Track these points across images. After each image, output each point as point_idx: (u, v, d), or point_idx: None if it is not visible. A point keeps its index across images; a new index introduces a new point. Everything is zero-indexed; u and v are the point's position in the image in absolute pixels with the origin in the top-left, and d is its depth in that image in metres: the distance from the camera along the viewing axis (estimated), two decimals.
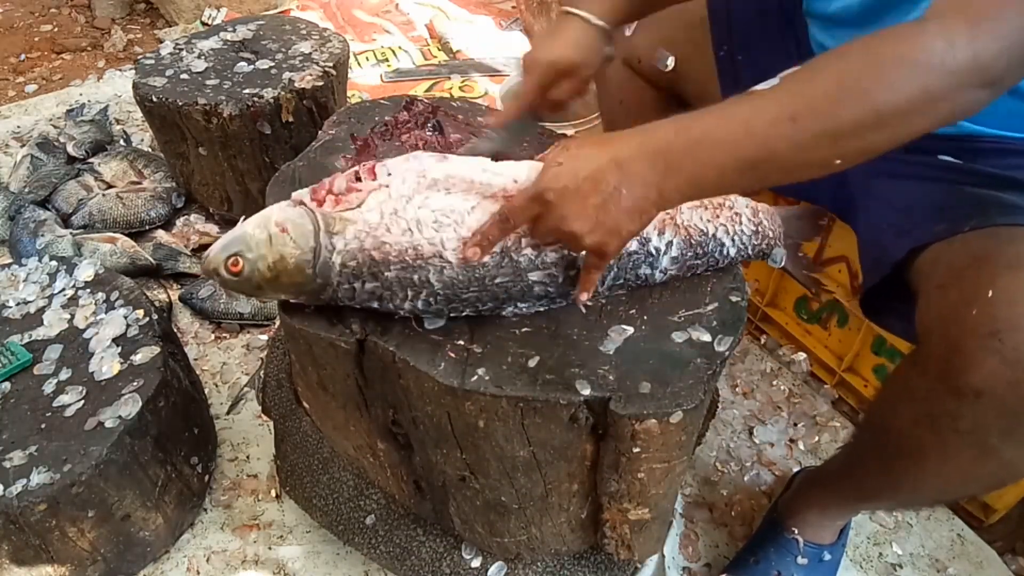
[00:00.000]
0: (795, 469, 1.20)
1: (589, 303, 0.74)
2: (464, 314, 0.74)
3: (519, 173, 0.75)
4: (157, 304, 1.33)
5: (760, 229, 0.86)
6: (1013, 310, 0.64)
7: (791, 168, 0.64)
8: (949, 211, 0.79)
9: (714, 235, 0.81)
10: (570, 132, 1.69)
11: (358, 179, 0.75)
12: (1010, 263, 0.67)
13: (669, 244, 0.78)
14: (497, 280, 0.72)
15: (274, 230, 0.71)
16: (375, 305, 0.73)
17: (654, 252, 0.77)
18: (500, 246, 0.72)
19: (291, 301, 0.76)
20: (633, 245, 0.76)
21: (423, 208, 0.72)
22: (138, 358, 1.01)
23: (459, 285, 0.71)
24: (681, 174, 0.63)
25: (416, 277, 0.71)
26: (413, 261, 0.70)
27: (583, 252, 0.70)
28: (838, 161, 0.63)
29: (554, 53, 0.86)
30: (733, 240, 0.82)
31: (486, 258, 0.71)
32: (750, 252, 0.85)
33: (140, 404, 0.96)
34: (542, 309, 0.77)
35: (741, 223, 0.84)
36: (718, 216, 0.82)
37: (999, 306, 0.64)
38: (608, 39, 0.89)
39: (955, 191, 0.82)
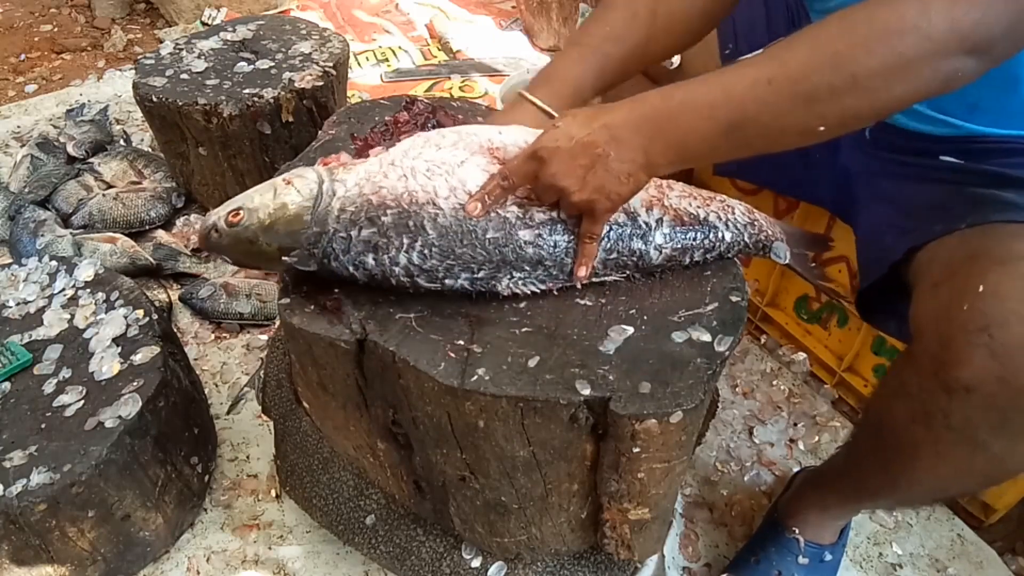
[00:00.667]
0: (795, 469, 1.20)
1: (585, 280, 0.77)
2: (460, 282, 0.74)
3: (504, 129, 0.82)
4: (157, 304, 1.33)
5: (755, 220, 0.87)
6: (1003, 305, 0.64)
7: (772, 133, 0.65)
8: (948, 211, 0.80)
9: (706, 219, 0.82)
10: None
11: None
12: (1001, 259, 0.67)
13: (659, 221, 0.79)
14: (489, 234, 0.74)
15: (280, 183, 0.75)
16: (370, 260, 0.73)
17: (644, 226, 0.79)
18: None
19: (293, 289, 0.77)
20: (621, 217, 0.78)
21: (417, 159, 0.76)
22: (138, 358, 1.02)
23: (453, 236, 0.73)
24: (666, 137, 0.67)
25: (411, 223, 0.72)
26: (408, 207, 0.73)
27: (579, 228, 0.73)
28: (821, 128, 0.64)
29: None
30: (727, 225, 0.83)
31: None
32: (747, 241, 0.85)
33: (140, 404, 0.96)
34: (541, 287, 0.77)
35: (734, 213, 0.85)
36: (708, 204, 0.83)
37: (989, 302, 0.64)
38: None
39: (956, 191, 0.82)
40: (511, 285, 0.76)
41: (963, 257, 0.71)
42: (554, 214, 0.76)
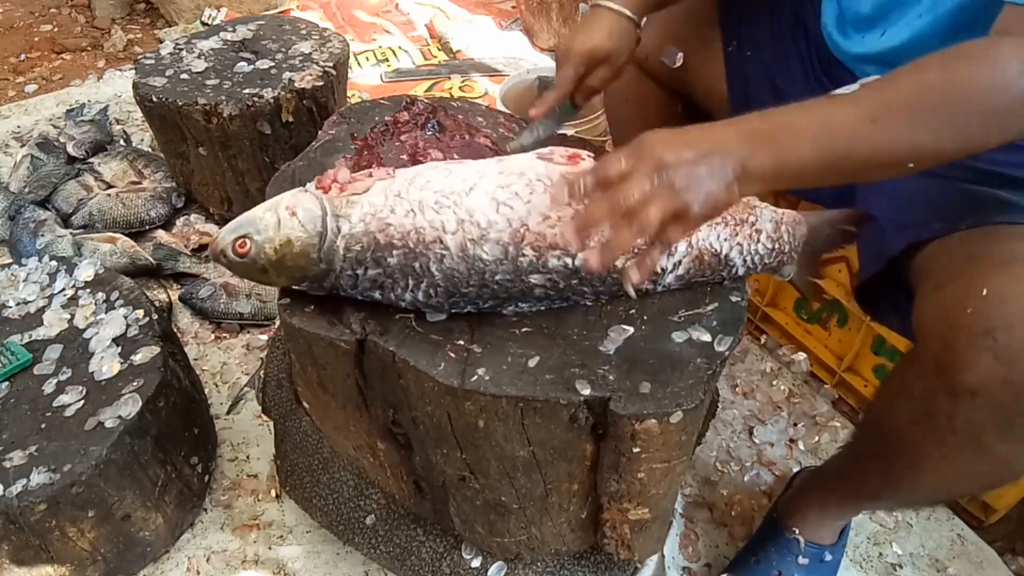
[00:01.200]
0: (795, 469, 1.20)
1: (638, 284, 0.68)
2: (465, 311, 0.75)
3: (508, 158, 0.80)
4: (157, 304, 1.33)
5: (777, 246, 0.84)
6: (1006, 308, 0.64)
7: (868, 166, 0.66)
8: (947, 208, 0.80)
9: (727, 255, 0.79)
10: (570, 132, 1.69)
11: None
12: (1004, 261, 0.67)
13: (677, 264, 0.77)
14: (497, 277, 0.72)
15: (283, 213, 0.73)
16: (377, 295, 0.73)
17: (659, 271, 0.76)
18: (503, 247, 0.71)
19: (294, 289, 0.77)
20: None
21: (425, 190, 0.74)
22: (138, 358, 1.02)
23: (459, 277, 0.72)
24: (765, 152, 0.64)
25: (417, 265, 0.71)
26: (415, 246, 0.71)
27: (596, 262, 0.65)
28: (911, 165, 0.65)
29: (590, 43, 0.92)
30: (745, 260, 0.81)
31: (486, 255, 0.71)
32: (758, 269, 0.84)
33: (140, 404, 0.96)
34: (543, 308, 0.77)
35: (759, 241, 0.82)
36: (736, 234, 0.80)
37: (993, 304, 0.64)
38: (637, 28, 0.95)
39: (954, 188, 0.83)
40: (516, 309, 0.76)
41: (965, 259, 0.71)
42: (568, 260, 0.72)
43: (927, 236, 0.79)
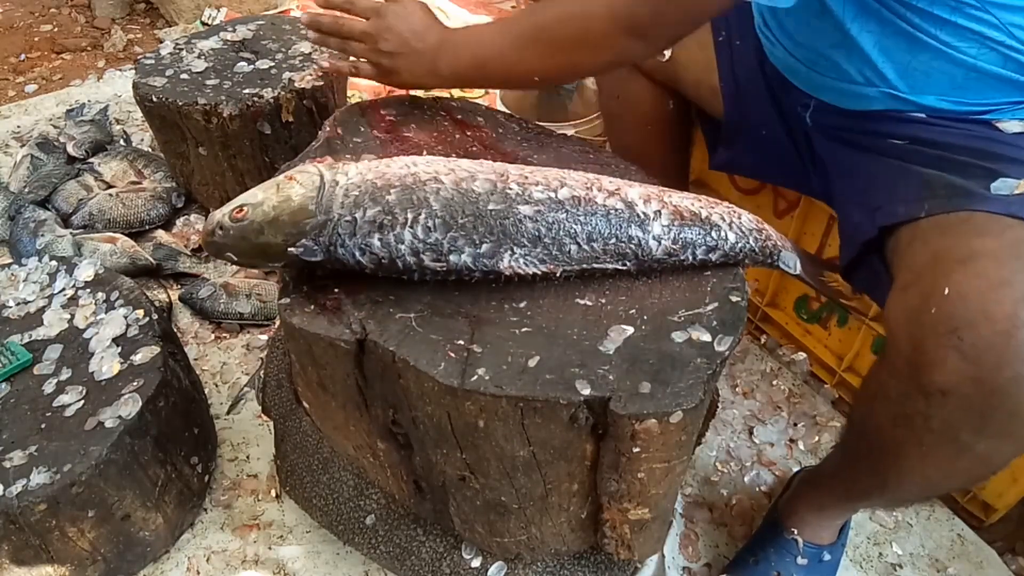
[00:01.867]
0: (795, 469, 1.20)
1: (324, 65, 1.05)
2: (464, 259, 0.75)
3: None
4: (157, 304, 1.33)
5: (763, 228, 0.86)
6: (969, 306, 0.64)
7: (507, 76, 1.00)
8: (904, 191, 0.81)
9: (708, 218, 0.82)
10: (570, 132, 1.69)
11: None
12: (963, 259, 0.68)
13: (657, 212, 0.80)
14: (490, 207, 0.76)
15: (282, 180, 0.77)
16: (376, 241, 0.74)
17: (641, 215, 0.79)
18: (491, 182, 0.78)
19: (294, 288, 0.77)
20: (619, 204, 0.79)
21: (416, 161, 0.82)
22: (138, 358, 1.02)
23: (455, 206, 0.75)
24: (448, 57, 0.95)
25: (415, 197, 0.75)
26: (412, 184, 0.76)
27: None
28: (536, 78, 0.93)
29: None
30: (731, 226, 0.83)
31: (477, 188, 0.77)
32: (753, 245, 0.84)
33: (140, 404, 0.96)
34: (542, 268, 0.77)
35: (740, 218, 0.85)
36: (713, 207, 0.84)
37: (955, 304, 0.65)
38: None
39: (908, 171, 0.84)
40: (512, 263, 0.76)
41: (927, 258, 0.72)
42: (551, 193, 0.78)
43: (894, 220, 0.80)
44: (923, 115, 0.86)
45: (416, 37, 0.95)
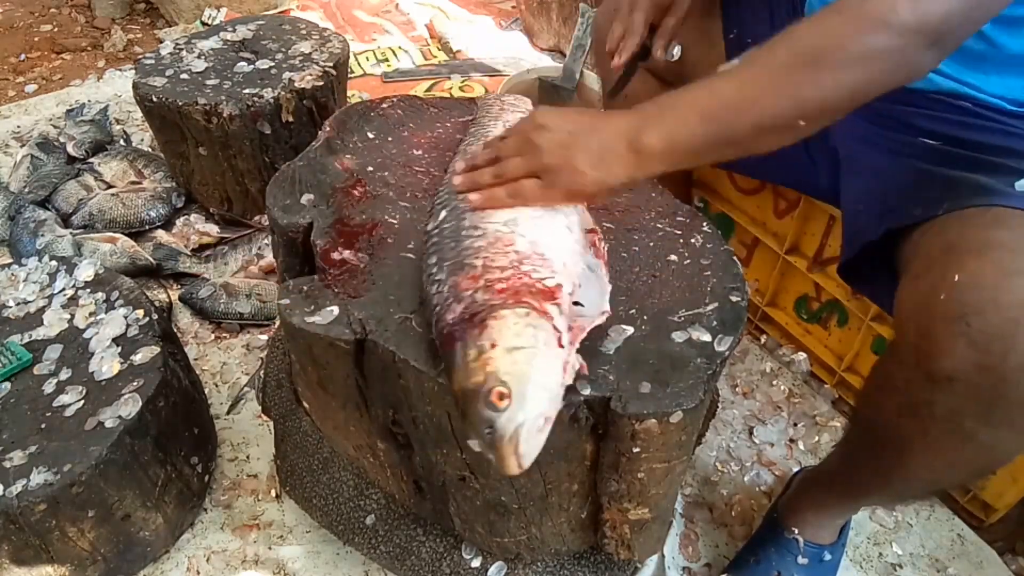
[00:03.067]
0: (795, 469, 1.20)
1: (459, 187, 0.79)
2: None
3: None
4: (157, 304, 1.33)
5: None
6: (979, 294, 0.64)
7: (757, 131, 0.70)
8: (924, 193, 0.80)
9: None
10: None
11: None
12: (977, 248, 0.68)
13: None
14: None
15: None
16: None
17: None
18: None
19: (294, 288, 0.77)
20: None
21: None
22: (138, 358, 1.01)
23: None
24: (655, 129, 0.71)
25: None
26: None
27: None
28: (802, 122, 0.69)
29: None
30: None
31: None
32: None
33: (140, 404, 0.96)
34: None
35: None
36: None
37: (965, 290, 0.65)
38: None
39: (930, 173, 0.84)
40: None
41: (940, 248, 0.72)
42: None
43: (906, 222, 0.79)
44: (970, 104, 0.85)
45: (583, 124, 0.73)
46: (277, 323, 1.42)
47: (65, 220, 1.64)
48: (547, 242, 0.72)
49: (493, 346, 0.59)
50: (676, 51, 1.06)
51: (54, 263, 1.16)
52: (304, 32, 1.75)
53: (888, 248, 0.84)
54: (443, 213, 0.78)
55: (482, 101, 1.08)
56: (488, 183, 0.77)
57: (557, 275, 0.68)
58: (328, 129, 1.01)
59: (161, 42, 2.09)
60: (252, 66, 1.60)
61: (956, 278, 0.65)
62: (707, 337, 0.74)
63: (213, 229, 1.67)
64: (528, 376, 0.58)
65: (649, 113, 0.72)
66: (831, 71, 0.66)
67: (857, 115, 0.95)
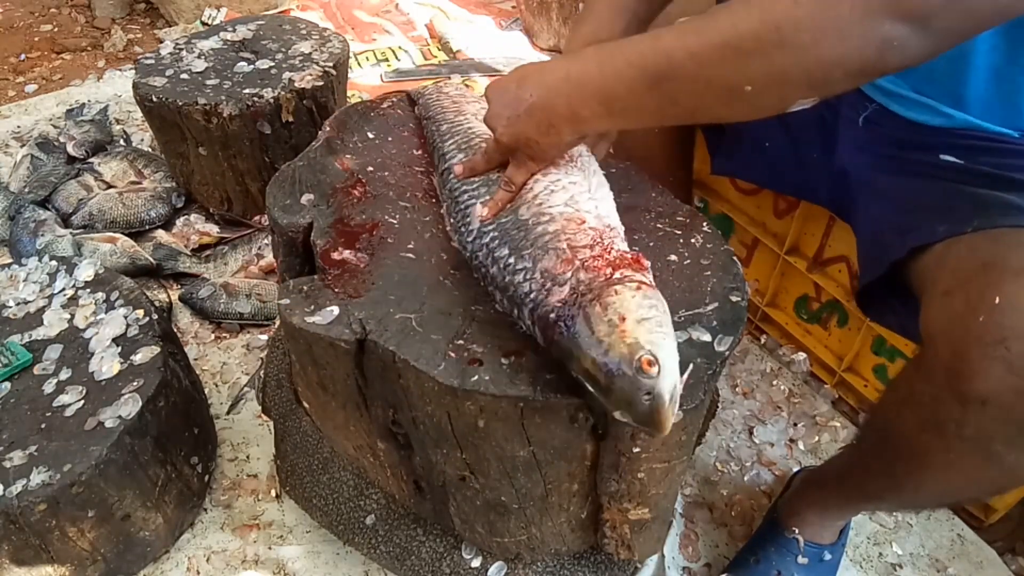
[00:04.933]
0: (795, 469, 1.20)
1: (486, 219, 0.78)
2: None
3: None
4: (157, 304, 1.33)
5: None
6: (1020, 318, 0.63)
7: (698, 88, 0.63)
8: (951, 211, 0.79)
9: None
10: None
11: None
12: (1017, 270, 0.67)
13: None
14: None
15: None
16: None
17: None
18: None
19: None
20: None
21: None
22: (138, 358, 1.01)
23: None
24: (590, 87, 0.66)
25: None
26: None
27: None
28: (747, 87, 0.60)
29: None
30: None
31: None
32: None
33: (140, 404, 0.96)
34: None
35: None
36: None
37: (1006, 314, 0.64)
38: None
39: (956, 191, 0.82)
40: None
41: (975, 265, 0.70)
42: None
43: (932, 239, 0.78)
44: (984, 136, 0.85)
45: (522, 94, 0.73)
46: (277, 323, 1.42)
47: (65, 220, 1.64)
48: (606, 210, 0.77)
49: (623, 319, 0.61)
50: None
51: (54, 263, 1.16)
52: (304, 32, 1.75)
53: (900, 274, 0.83)
54: (479, 208, 0.81)
55: (424, 96, 1.08)
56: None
57: (625, 240, 0.74)
58: (328, 129, 1.01)
59: (161, 42, 2.09)
60: (252, 66, 1.60)
61: (996, 300, 0.64)
62: (707, 337, 0.73)
63: (213, 229, 1.67)
64: (664, 342, 0.60)
65: (589, 70, 0.67)
66: (779, 32, 0.57)
67: (873, 143, 0.95)
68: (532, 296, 0.70)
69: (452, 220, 0.84)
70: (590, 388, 0.62)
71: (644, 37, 0.67)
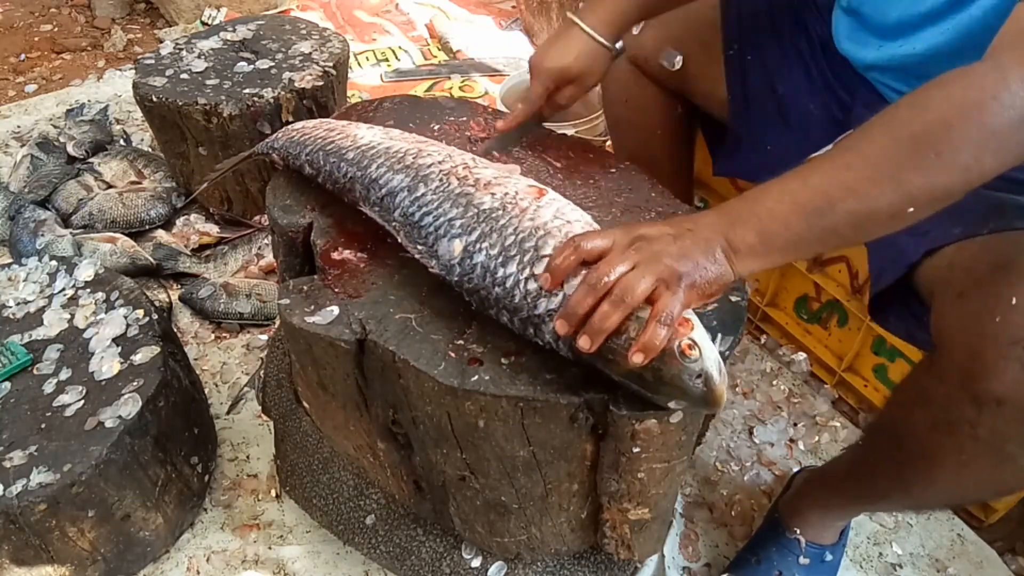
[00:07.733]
0: (795, 469, 1.20)
1: (641, 365, 0.62)
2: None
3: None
4: (157, 304, 1.33)
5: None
6: None
7: (859, 218, 0.62)
8: (965, 213, 0.78)
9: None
10: (570, 132, 1.69)
11: None
12: None
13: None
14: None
15: None
16: None
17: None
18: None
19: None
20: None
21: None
22: (138, 358, 1.01)
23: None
24: (747, 224, 0.64)
25: None
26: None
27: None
28: (910, 209, 0.62)
29: (560, 62, 0.94)
30: None
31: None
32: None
33: (140, 404, 0.96)
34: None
35: None
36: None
37: (1023, 315, 0.64)
38: (610, 51, 0.96)
39: (973, 193, 0.82)
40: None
41: (990, 266, 0.70)
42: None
43: (946, 241, 0.78)
44: None
45: (680, 229, 0.64)
46: (277, 323, 1.42)
47: (65, 220, 1.64)
48: (588, 218, 0.75)
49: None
50: (677, 60, 1.05)
51: (54, 263, 1.16)
52: (304, 32, 1.75)
53: (908, 278, 0.82)
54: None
55: (287, 135, 0.96)
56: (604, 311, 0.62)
57: None
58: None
59: (161, 42, 2.08)
60: (252, 66, 1.60)
61: (1013, 301, 0.64)
62: None
63: (213, 229, 1.67)
64: (695, 323, 0.63)
65: (739, 209, 0.65)
66: (939, 156, 0.59)
67: None
68: (554, 311, 0.66)
69: (420, 247, 0.76)
70: (637, 388, 0.63)
71: (787, 178, 0.65)
